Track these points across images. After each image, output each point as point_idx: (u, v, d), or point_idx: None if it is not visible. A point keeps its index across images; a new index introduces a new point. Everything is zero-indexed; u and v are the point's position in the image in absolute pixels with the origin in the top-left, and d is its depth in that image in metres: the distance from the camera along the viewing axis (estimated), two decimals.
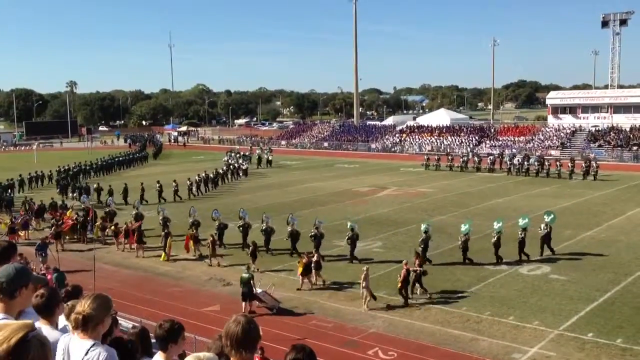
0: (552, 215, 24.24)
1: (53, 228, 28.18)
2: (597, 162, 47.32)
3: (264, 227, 25.18)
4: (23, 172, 48.20)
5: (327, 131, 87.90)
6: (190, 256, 25.05)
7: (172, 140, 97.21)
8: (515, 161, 50.20)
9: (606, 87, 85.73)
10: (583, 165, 46.57)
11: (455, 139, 71.74)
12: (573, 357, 14.78)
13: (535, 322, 16.96)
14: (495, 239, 22.76)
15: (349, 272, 22.05)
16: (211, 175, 44.96)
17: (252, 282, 18.38)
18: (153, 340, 4.46)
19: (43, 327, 3.81)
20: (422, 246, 22.30)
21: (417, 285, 19.22)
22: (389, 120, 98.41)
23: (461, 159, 53.19)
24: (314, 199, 38.71)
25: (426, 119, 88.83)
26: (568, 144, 64.62)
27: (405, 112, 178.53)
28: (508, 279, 21.06)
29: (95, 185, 42.05)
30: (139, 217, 29.08)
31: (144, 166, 64.04)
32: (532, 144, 65.69)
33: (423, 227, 23.43)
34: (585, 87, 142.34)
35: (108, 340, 4.11)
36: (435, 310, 18.13)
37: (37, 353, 2.55)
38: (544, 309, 17.99)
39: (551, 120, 75.59)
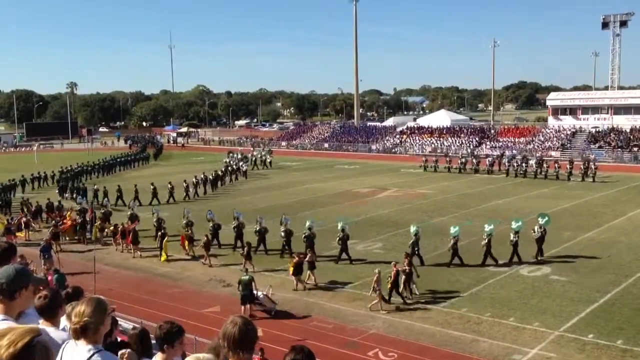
0: (546, 218, 24.00)
1: (51, 229, 28.18)
2: (596, 164, 47.24)
3: (257, 228, 25.35)
4: (24, 173, 48.22)
5: (327, 132, 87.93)
6: (185, 256, 25.23)
7: (172, 141, 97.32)
8: (514, 162, 50.17)
9: (606, 88, 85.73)
10: (582, 166, 46.51)
11: (455, 140, 71.76)
12: (573, 358, 14.77)
13: (535, 323, 16.96)
14: (486, 241, 22.75)
15: (349, 273, 22.06)
16: (210, 177, 44.66)
17: (253, 284, 18.30)
18: (153, 342, 4.46)
19: (47, 328, 3.81)
20: (417, 249, 22.35)
21: (407, 285, 19.33)
22: (390, 121, 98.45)
23: (459, 161, 53.15)
24: (314, 200, 38.70)
25: (426, 120, 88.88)
26: (568, 145, 64.63)
27: (405, 113, 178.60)
28: (508, 280, 21.05)
29: (92, 186, 42.22)
30: (133, 218, 29.21)
31: (144, 167, 64.11)
32: (532, 145, 65.70)
33: (413, 229, 23.52)
34: (586, 88, 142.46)
35: (107, 341, 4.11)
36: (436, 311, 18.12)
37: (41, 358, 2.59)
38: (544, 310, 17.98)
39: (551, 121, 75.62)
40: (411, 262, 19.89)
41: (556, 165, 47.34)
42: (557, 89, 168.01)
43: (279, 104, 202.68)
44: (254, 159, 60.40)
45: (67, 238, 28.92)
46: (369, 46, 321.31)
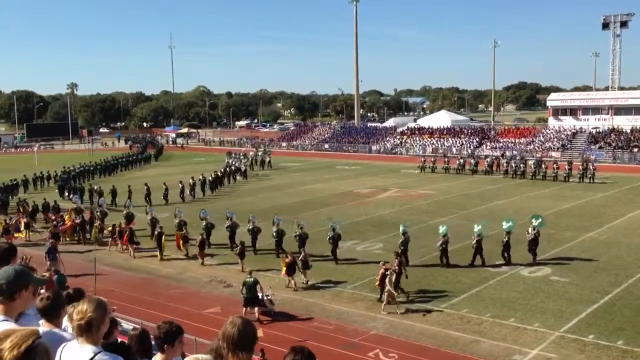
0: (540, 219, 23.82)
1: (51, 229, 28.22)
2: (594, 165, 47.12)
3: (250, 227, 25.48)
4: (26, 173, 48.27)
5: (327, 133, 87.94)
6: (181, 256, 25.41)
7: (171, 142, 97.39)
8: (512, 163, 50.07)
9: (607, 88, 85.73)
10: (580, 167, 46.43)
11: (455, 141, 71.76)
12: (574, 359, 14.76)
13: (536, 324, 16.95)
14: (475, 242, 22.75)
15: (350, 274, 22.06)
16: (209, 178, 44.21)
17: (258, 287, 18.14)
18: (153, 342, 4.46)
19: (50, 329, 3.81)
20: (402, 247, 22.38)
21: (396, 284, 19.37)
22: (390, 122, 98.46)
23: (457, 161, 53.08)
24: (315, 201, 38.70)
25: (427, 121, 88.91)
26: (569, 145, 64.62)
27: (406, 113, 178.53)
28: (509, 280, 21.04)
29: (88, 187, 42.42)
30: (129, 218, 29.35)
31: (145, 168, 64.18)
32: (532, 146, 65.69)
33: (401, 228, 23.59)
34: (586, 88, 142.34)
35: (107, 341, 4.11)
36: (436, 312, 18.12)
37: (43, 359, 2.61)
38: (544, 310, 17.98)
39: (552, 121, 75.64)
40: (401, 261, 20.04)
41: (554, 166, 47.26)
42: (557, 89, 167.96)
43: (279, 105, 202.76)
44: (252, 159, 60.28)
45: (68, 239, 28.93)
46: (370, 47, 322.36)
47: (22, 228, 30.30)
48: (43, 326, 3.87)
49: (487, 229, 24.14)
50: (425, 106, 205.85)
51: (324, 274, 22.24)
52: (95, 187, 41.38)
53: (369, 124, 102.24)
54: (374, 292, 19.70)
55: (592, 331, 16.28)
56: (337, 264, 23.40)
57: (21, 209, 33.93)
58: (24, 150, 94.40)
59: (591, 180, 44.40)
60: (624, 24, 78.36)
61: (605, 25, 79.44)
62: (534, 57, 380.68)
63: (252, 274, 18.76)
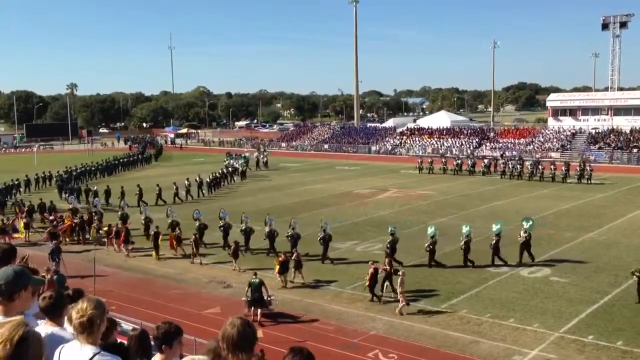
0: (530, 222, 23.78)
1: (49, 229, 28.25)
2: (591, 166, 46.89)
3: (243, 228, 25.61)
4: (26, 173, 48.25)
5: (327, 133, 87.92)
6: (177, 255, 25.55)
7: (169, 142, 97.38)
8: (509, 165, 49.92)
9: (606, 89, 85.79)
10: (578, 168, 46.26)
11: (455, 141, 71.79)
12: (573, 359, 14.76)
13: (535, 324, 16.95)
14: (463, 243, 22.78)
15: (349, 274, 22.05)
16: (208, 179, 43.85)
17: (263, 288, 18.10)
18: (153, 343, 4.45)
19: (51, 328, 3.81)
20: (388, 247, 22.53)
21: (387, 283, 19.56)
22: (389, 123, 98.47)
23: (455, 162, 52.95)
24: (314, 201, 38.70)
25: (426, 121, 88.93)
26: (568, 146, 64.65)
27: (405, 114, 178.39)
28: (509, 281, 21.05)
29: (84, 187, 42.39)
30: (124, 218, 29.46)
31: (146, 168, 64.22)
32: (532, 146, 65.71)
33: (389, 229, 23.69)
34: (586, 89, 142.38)
35: (105, 342, 4.10)
36: (436, 312, 18.11)
37: (37, 348, 2.63)
38: (544, 311, 17.98)
39: (551, 122, 75.68)
40: (391, 261, 20.21)
41: (552, 166, 47.16)
42: (557, 90, 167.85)
43: (279, 105, 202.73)
44: (245, 158, 59.91)
45: (67, 239, 28.92)
46: (369, 47, 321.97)
47: (21, 228, 30.30)
48: (45, 325, 3.87)
49: (475, 229, 24.11)
50: (424, 107, 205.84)
51: (323, 274, 22.25)
52: (92, 188, 41.44)
53: (369, 125, 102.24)
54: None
55: (592, 332, 16.29)
56: (334, 264, 23.45)
57: (17, 210, 33.94)
58: (23, 150, 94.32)
59: (588, 182, 44.31)
60: (623, 25, 78.40)
61: (605, 26, 79.49)
62: (534, 58, 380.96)
63: (257, 274, 18.76)
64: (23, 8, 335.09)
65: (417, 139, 75.78)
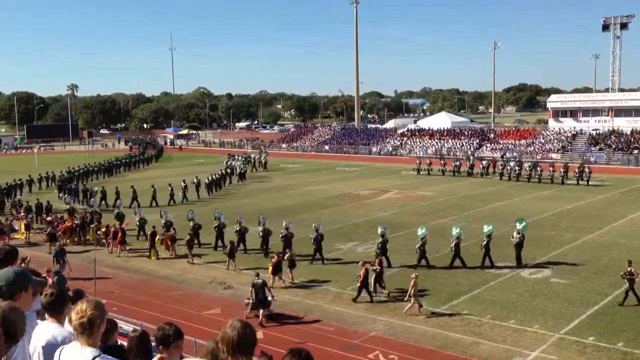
0: (524, 223, 23.72)
1: (48, 230, 28.31)
2: (590, 168, 46.66)
3: (237, 228, 25.71)
4: (24, 175, 48.30)
5: (328, 134, 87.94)
6: (171, 255, 25.71)
7: (168, 143, 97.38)
8: (507, 166, 49.72)
9: (607, 90, 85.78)
10: (576, 170, 46.08)
11: (456, 142, 71.80)
12: None
13: (536, 325, 16.95)
14: (453, 244, 22.80)
15: (350, 275, 22.03)
16: (206, 181, 43.52)
17: (265, 287, 18.15)
18: (153, 344, 4.46)
19: (52, 325, 3.82)
20: (379, 248, 22.65)
21: (377, 283, 19.72)
22: (390, 124, 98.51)
23: (454, 163, 52.84)
24: (315, 202, 38.70)
25: (427, 122, 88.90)
26: (569, 147, 64.63)
27: (406, 115, 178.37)
28: (509, 282, 21.04)
29: (82, 188, 42.48)
30: (120, 218, 29.64)
31: (147, 169, 64.27)
32: (532, 148, 65.70)
33: (380, 230, 23.84)
34: (586, 90, 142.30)
35: (107, 344, 4.11)
36: (436, 313, 18.10)
37: (20, 323, 2.76)
38: (545, 312, 17.98)
39: (552, 123, 75.62)
40: (381, 261, 20.38)
41: (551, 168, 47.02)
42: (557, 91, 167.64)
43: (279, 106, 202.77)
44: (243, 159, 59.85)
45: (68, 240, 28.94)
46: (370, 48, 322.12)
47: (22, 229, 30.30)
48: (46, 322, 3.89)
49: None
50: (425, 108, 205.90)
51: (322, 275, 22.25)
52: (89, 188, 41.52)
53: (369, 126, 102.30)
54: (374, 294, 19.78)
55: (593, 333, 16.28)
56: (324, 264, 23.59)
57: (14, 211, 33.97)
58: (24, 151, 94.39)
59: (587, 183, 44.10)
60: (624, 26, 78.38)
61: (606, 27, 79.47)
62: (534, 59, 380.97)
63: (259, 275, 18.81)
64: (23, 9, 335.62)
65: (417, 140, 75.80)
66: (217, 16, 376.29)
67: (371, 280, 19.51)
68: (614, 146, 61.82)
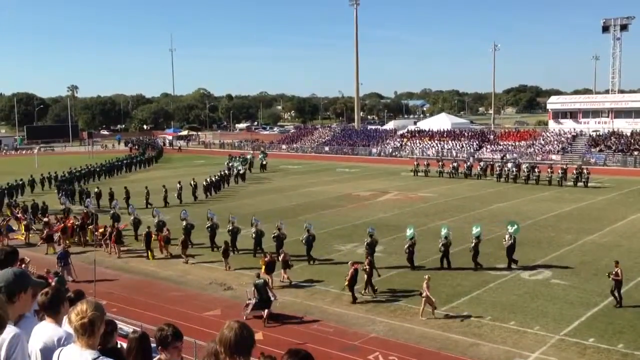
0: (515, 226, 23.62)
1: (46, 230, 28.31)
2: (588, 170, 46.49)
3: (230, 228, 25.87)
4: (24, 176, 48.32)
5: (328, 135, 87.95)
6: (167, 255, 25.87)
7: (167, 144, 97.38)
8: (505, 168, 49.59)
9: (607, 92, 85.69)
10: (574, 171, 45.94)
11: (456, 144, 71.80)
12: None
13: (536, 327, 16.94)
14: (441, 245, 22.86)
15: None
16: (204, 183, 43.14)
17: (267, 287, 18.20)
18: (153, 345, 4.46)
19: (51, 326, 3.81)
20: (367, 248, 22.85)
21: (367, 283, 19.86)
22: (390, 125, 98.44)
23: (451, 165, 52.78)
24: (315, 204, 38.69)
25: (427, 124, 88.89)
26: (569, 148, 64.63)
27: (406, 116, 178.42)
28: (509, 283, 21.04)
29: (78, 188, 42.66)
30: (116, 219, 29.72)
31: (148, 170, 64.30)
32: (533, 149, 65.71)
33: (368, 230, 24.04)
34: (586, 92, 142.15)
35: (108, 346, 4.11)
36: (437, 314, 18.10)
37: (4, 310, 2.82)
38: (545, 313, 17.98)
39: (552, 125, 75.57)
40: (371, 261, 20.46)
41: (549, 170, 46.92)
42: (557, 92, 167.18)
43: (279, 107, 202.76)
44: (241, 160, 59.69)
45: (68, 241, 28.94)
46: (370, 50, 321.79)
47: (22, 230, 30.30)
48: (46, 322, 3.88)
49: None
50: (425, 109, 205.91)
51: (322, 275, 22.25)
52: (86, 189, 41.57)
53: (369, 127, 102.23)
54: (371, 294, 19.77)
55: (593, 334, 16.28)
56: (313, 264, 23.73)
57: (10, 211, 34.01)
58: (24, 152, 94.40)
59: (585, 185, 44.00)
60: (624, 27, 78.33)
61: (606, 29, 79.42)
62: (534, 60, 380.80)
63: (260, 275, 18.87)
64: (23, 9, 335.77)
65: (417, 141, 75.81)
66: (217, 17, 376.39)
67: (362, 279, 19.71)
68: (614, 147, 61.83)
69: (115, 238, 26.58)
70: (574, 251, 25.32)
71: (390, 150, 75.45)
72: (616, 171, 54.15)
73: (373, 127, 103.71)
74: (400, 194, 42.51)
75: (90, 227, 29.36)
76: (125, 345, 4.77)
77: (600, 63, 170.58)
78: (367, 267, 20.01)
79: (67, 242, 28.72)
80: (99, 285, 19.41)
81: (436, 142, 73.95)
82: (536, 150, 65.04)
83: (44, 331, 3.77)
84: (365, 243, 23.47)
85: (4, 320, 3.12)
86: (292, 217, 32.53)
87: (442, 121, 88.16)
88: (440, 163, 53.47)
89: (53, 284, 16.81)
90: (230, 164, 55.86)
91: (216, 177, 46.15)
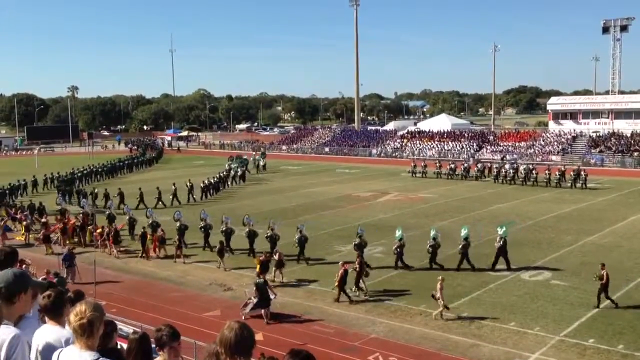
0: (504, 228, 23.57)
1: (42, 231, 28.31)
2: (586, 171, 46.19)
3: (223, 228, 25.96)
4: (24, 176, 48.35)
5: (328, 136, 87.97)
6: (161, 255, 25.98)
7: (166, 145, 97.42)
8: (503, 169, 49.49)
9: (607, 92, 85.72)
10: (572, 173, 45.71)
11: (456, 144, 71.81)
12: None
13: (536, 328, 16.94)
14: (429, 245, 22.94)
15: (351, 277, 22.00)
16: (202, 185, 42.81)
17: (267, 287, 18.25)
18: (153, 346, 4.46)
19: (52, 327, 3.81)
20: (356, 249, 23.00)
21: (357, 283, 19.98)
22: (390, 126, 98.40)
23: (449, 166, 52.70)
24: (315, 204, 38.68)
25: (427, 124, 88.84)
26: (569, 149, 64.64)
27: (406, 117, 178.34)
28: (509, 284, 21.03)
29: (76, 189, 42.79)
30: (111, 219, 29.85)
31: (149, 170, 64.30)
32: (533, 150, 65.71)
33: (358, 230, 24.19)
34: (586, 92, 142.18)
35: (108, 347, 4.10)
36: (436, 315, 18.08)
37: None
38: (545, 314, 17.97)
39: (552, 125, 75.59)
40: (362, 261, 20.54)
41: (547, 171, 46.82)
42: (557, 93, 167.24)
43: (279, 108, 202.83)
44: (239, 161, 59.44)
45: (68, 242, 28.94)
46: (370, 50, 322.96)
47: (22, 230, 30.29)
48: (48, 324, 3.87)
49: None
50: (425, 110, 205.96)
51: (322, 276, 22.22)
52: (82, 190, 41.55)
53: (369, 128, 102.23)
54: (374, 295, 19.75)
55: (593, 335, 16.28)
56: (308, 265, 23.76)
57: (5, 212, 34.01)
58: (24, 153, 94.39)
59: (583, 186, 43.79)
60: (624, 28, 78.37)
61: (606, 30, 79.46)
62: (535, 61, 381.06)
63: (260, 275, 18.89)
64: (23, 10, 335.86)
65: (417, 142, 75.82)
66: (217, 17, 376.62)
67: (356, 278, 19.88)
68: (614, 148, 61.83)
69: (113, 238, 26.63)
70: (574, 252, 25.31)
71: (390, 151, 75.45)
72: (616, 172, 54.15)
73: (373, 127, 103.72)
74: (401, 194, 42.50)
75: (89, 228, 29.35)
76: (125, 346, 4.77)
77: (600, 64, 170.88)
78: (358, 267, 20.05)
79: (69, 242, 28.75)
80: (98, 286, 19.43)
81: (436, 142, 73.96)
82: (536, 151, 65.04)
83: (47, 333, 3.77)
84: (354, 243, 23.63)
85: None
86: (292, 217, 32.53)
87: (442, 122, 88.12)
88: (437, 164, 53.40)
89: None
90: (230, 165, 55.84)
91: (215, 179, 45.85)
